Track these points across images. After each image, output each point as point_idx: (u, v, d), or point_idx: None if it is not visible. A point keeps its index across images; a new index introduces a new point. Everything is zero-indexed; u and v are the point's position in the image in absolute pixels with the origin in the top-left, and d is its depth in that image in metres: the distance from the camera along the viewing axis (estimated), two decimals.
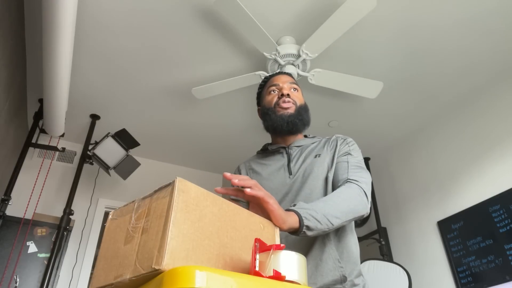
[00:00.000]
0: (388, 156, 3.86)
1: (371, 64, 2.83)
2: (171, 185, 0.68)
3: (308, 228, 0.91)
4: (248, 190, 0.84)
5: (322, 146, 1.27)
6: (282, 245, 0.69)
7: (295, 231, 0.91)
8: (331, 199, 1.02)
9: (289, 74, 1.41)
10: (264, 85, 1.41)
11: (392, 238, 3.56)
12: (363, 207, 1.06)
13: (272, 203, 0.85)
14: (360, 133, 3.61)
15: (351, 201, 1.04)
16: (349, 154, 1.21)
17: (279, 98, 1.30)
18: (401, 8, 2.39)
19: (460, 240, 2.89)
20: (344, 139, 1.27)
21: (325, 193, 1.17)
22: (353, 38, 2.58)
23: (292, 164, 1.26)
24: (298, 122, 1.27)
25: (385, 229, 3.61)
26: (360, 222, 3.72)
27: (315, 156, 1.24)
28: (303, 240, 1.09)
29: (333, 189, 1.16)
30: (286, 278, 0.65)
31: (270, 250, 0.68)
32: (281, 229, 0.87)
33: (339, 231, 1.15)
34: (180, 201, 0.66)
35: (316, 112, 3.27)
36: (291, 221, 0.89)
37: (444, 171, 3.22)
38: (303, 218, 0.90)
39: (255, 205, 0.91)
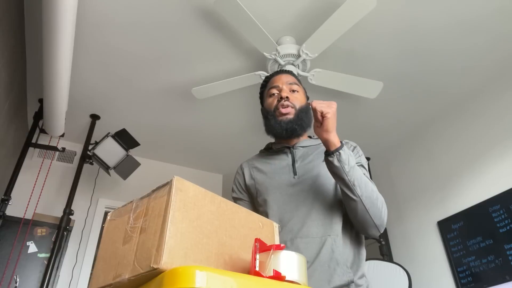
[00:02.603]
0: (388, 156, 3.86)
1: (371, 64, 2.83)
2: (168, 184, 0.68)
3: (339, 157, 1.06)
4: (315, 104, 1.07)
5: None
6: (282, 245, 0.69)
7: (329, 149, 1.07)
8: (368, 181, 1.11)
9: (290, 72, 1.40)
10: (266, 85, 1.40)
11: (392, 238, 3.55)
12: (382, 220, 1.11)
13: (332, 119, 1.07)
14: (360, 133, 3.60)
15: (380, 200, 1.11)
16: (362, 166, 1.21)
17: (278, 101, 1.28)
18: (401, 8, 2.38)
19: (460, 240, 2.88)
20: (354, 147, 1.27)
21: (335, 196, 1.17)
22: (353, 38, 2.57)
23: (297, 165, 1.25)
24: (298, 127, 1.25)
25: (385, 229, 3.60)
26: None
27: (323, 160, 1.24)
28: (311, 245, 1.09)
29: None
30: (286, 278, 0.65)
31: (270, 250, 0.67)
32: (322, 134, 1.07)
33: (346, 237, 1.13)
34: (178, 200, 0.66)
35: None
36: (336, 139, 1.07)
37: (444, 171, 3.21)
38: (342, 152, 1.06)
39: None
